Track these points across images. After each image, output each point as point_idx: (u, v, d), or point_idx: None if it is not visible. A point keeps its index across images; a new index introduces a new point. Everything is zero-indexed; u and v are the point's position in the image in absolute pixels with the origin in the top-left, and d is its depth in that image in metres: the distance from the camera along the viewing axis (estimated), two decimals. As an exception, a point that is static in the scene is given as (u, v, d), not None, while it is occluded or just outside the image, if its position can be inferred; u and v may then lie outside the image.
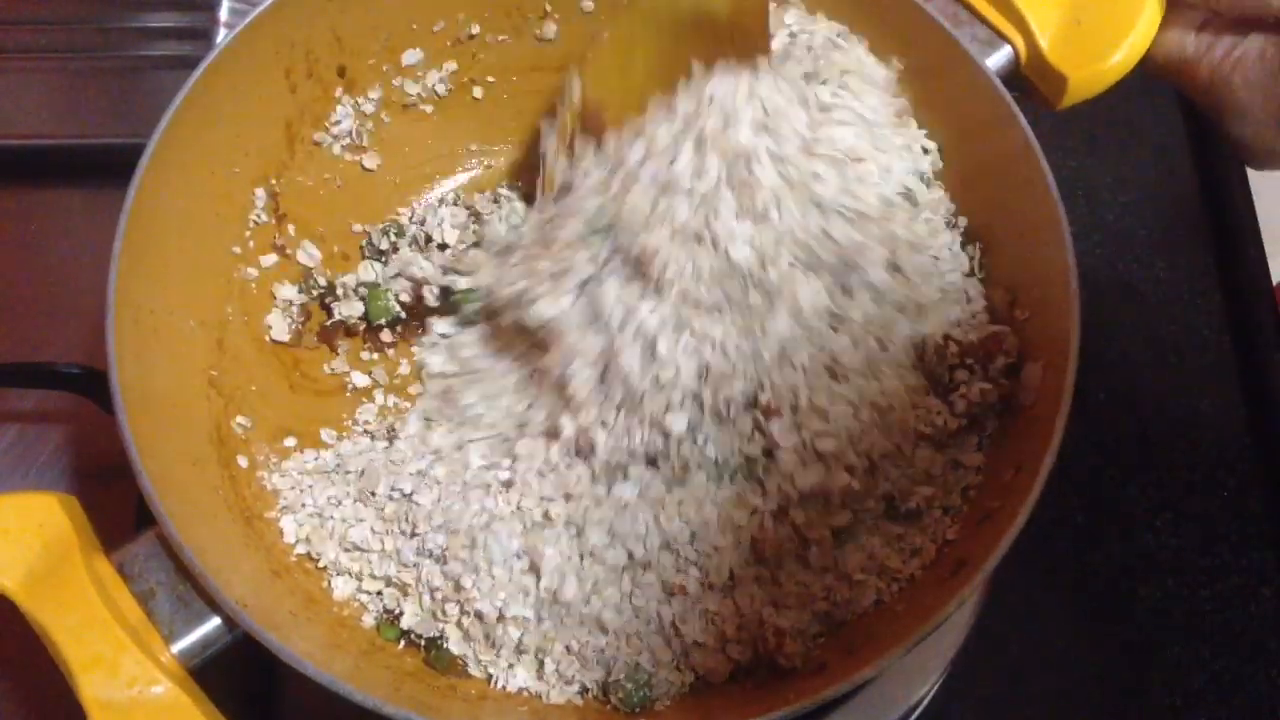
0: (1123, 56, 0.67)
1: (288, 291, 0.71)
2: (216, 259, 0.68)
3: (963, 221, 0.68)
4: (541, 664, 0.59)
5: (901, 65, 0.70)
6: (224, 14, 0.85)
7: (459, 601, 0.60)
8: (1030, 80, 0.69)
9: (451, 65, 0.75)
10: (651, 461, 0.62)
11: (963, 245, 0.68)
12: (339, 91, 0.72)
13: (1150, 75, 0.70)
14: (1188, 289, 0.86)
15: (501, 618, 0.60)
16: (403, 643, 0.62)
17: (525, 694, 0.59)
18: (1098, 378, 0.82)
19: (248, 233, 0.69)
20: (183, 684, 0.53)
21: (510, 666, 0.59)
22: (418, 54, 0.73)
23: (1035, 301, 0.63)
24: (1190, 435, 0.81)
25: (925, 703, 0.68)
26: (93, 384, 0.72)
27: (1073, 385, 0.57)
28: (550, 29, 0.75)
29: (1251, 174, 0.86)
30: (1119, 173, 0.90)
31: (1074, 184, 0.89)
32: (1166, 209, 0.89)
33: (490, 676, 0.59)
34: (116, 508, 0.65)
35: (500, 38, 0.75)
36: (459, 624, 0.60)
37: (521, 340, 0.67)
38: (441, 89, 0.75)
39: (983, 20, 0.68)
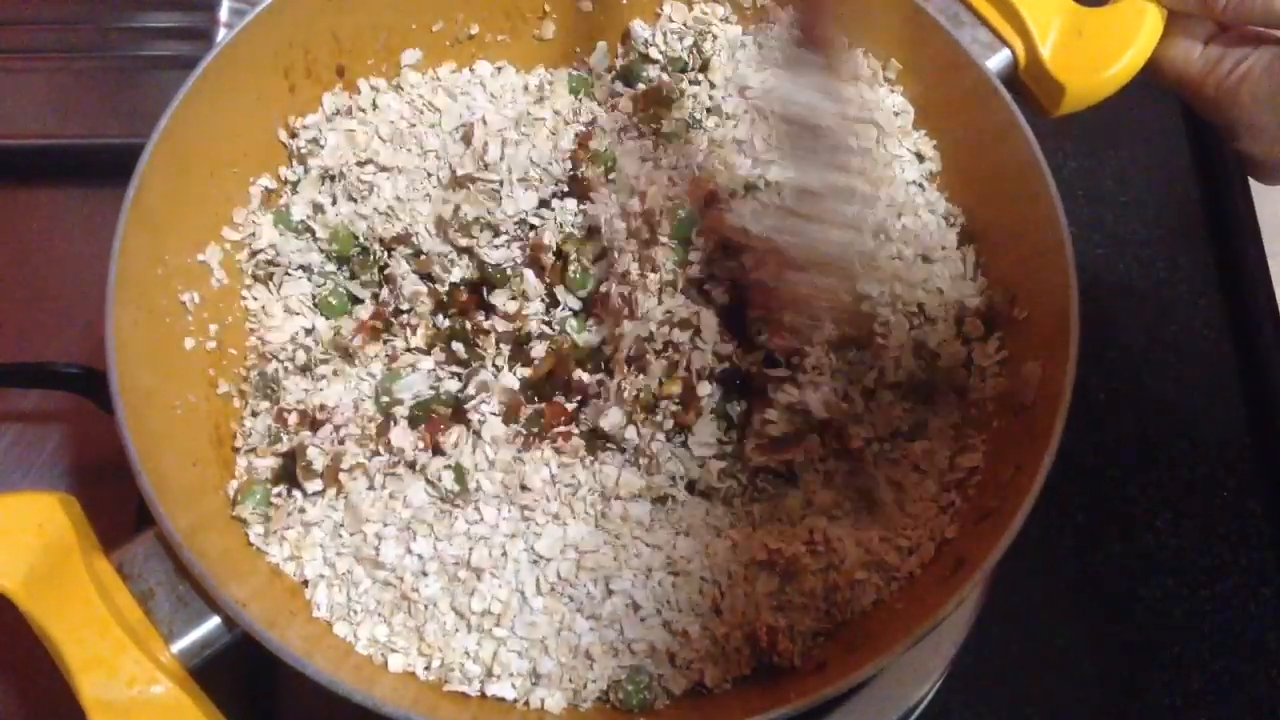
0: (1120, 69, 0.67)
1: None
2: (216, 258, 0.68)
3: (960, 220, 0.69)
4: (539, 672, 0.59)
5: (901, 66, 0.70)
6: (224, 14, 0.85)
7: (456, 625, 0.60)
8: (1027, 86, 0.69)
9: (450, 65, 0.75)
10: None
11: (959, 245, 0.68)
12: (337, 91, 0.72)
13: (1161, 88, 0.70)
14: (1188, 289, 0.86)
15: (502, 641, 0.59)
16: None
17: (524, 698, 0.59)
18: (1098, 378, 0.82)
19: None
20: (182, 684, 0.53)
21: (510, 675, 0.59)
22: (416, 54, 0.73)
23: (1034, 301, 0.63)
24: (1190, 435, 0.81)
25: (925, 703, 0.68)
26: (93, 384, 0.72)
27: (1072, 384, 0.57)
28: (549, 29, 0.75)
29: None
30: (1119, 173, 0.90)
31: (1074, 184, 0.89)
32: (1166, 209, 0.89)
33: (488, 680, 0.59)
34: (117, 508, 0.65)
35: (499, 38, 0.75)
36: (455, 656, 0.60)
37: None
38: (440, 88, 0.75)
39: (984, 22, 0.69)
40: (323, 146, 0.69)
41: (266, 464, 0.63)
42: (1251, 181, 0.86)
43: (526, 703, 0.58)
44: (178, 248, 0.65)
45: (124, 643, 0.52)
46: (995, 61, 0.68)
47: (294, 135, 0.70)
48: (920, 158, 0.70)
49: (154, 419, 0.59)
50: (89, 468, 0.77)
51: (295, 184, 0.70)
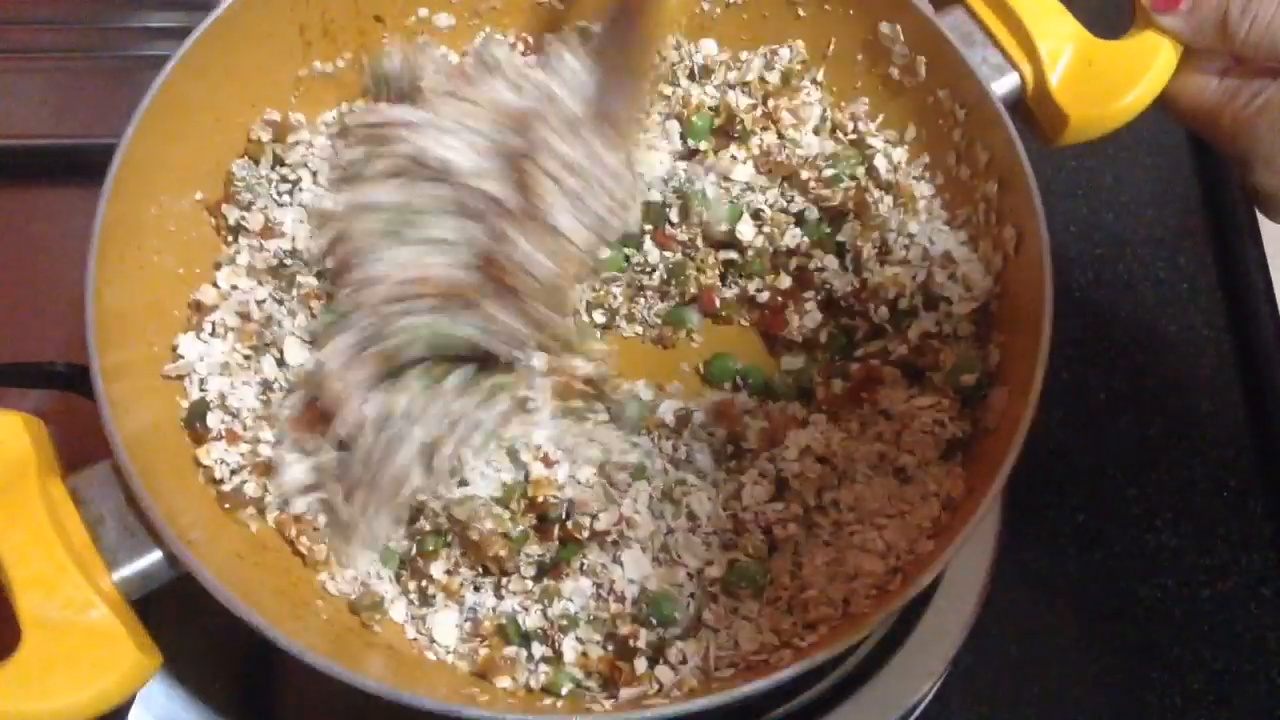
0: (1127, 104, 0.67)
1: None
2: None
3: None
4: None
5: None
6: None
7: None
8: (1033, 113, 0.69)
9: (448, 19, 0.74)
10: None
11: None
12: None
13: (1175, 121, 0.69)
14: (1188, 289, 0.86)
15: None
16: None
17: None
18: (1098, 378, 0.82)
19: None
20: (119, 611, 0.53)
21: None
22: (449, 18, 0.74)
23: (1013, 326, 0.63)
24: (1190, 435, 0.80)
25: (925, 703, 0.68)
26: (90, 383, 0.71)
27: (1032, 413, 0.57)
28: None
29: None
30: (1119, 173, 0.90)
31: (1074, 184, 0.88)
32: (1166, 209, 0.89)
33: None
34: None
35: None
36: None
37: None
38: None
39: (996, 44, 0.68)
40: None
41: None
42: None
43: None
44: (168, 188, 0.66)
45: (66, 565, 0.53)
46: (1002, 85, 0.67)
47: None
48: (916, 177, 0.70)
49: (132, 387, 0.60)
50: (78, 464, 0.77)
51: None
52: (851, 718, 0.66)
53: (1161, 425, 0.81)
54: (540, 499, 0.60)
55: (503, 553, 0.60)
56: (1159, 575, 0.76)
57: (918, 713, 0.68)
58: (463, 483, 0.61)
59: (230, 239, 0.68)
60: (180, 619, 0.57)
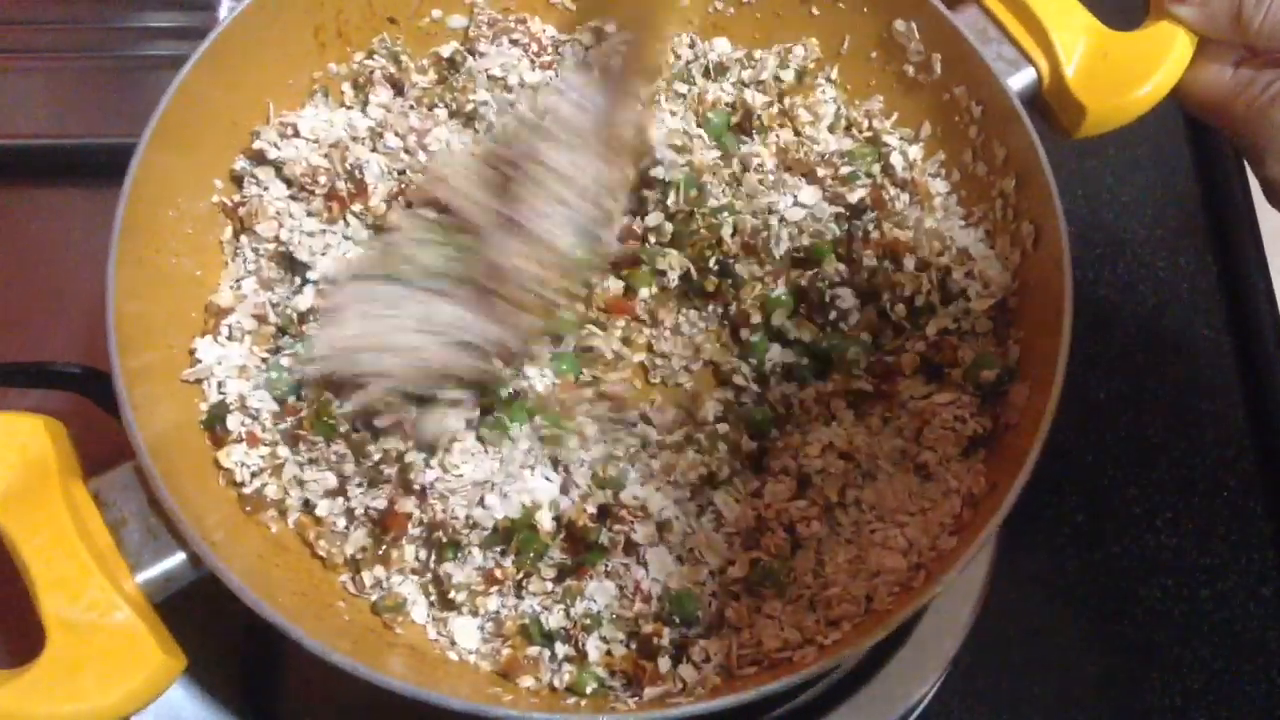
0: (1145, 94, 0.67)
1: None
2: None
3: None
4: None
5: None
6: (223, 13, 0.85)
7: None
8: (1050, 106, 0.69)
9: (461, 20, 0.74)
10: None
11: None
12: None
13: (1186, 111, 0.69)
14: (1188, 289, 0.86)
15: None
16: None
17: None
18: (1098, 378, 0.82)
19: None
20: (143, 613, 0.53)
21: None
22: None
23: (1031, 322, 0.63)
24: (1190, 435, 0.81)
25: (925, 702, 0.68)
26: (91, 383, 0.72)
27: (1054, 409, 0.57)
28: None
29: (1251, 174, 0.86)
30: (1119, 173, 0.90)
31: (1074, 184, 0.89)
32: (1166, 209, 0.89)
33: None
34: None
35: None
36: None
37: None
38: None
39: (1011, 40, 0.68)
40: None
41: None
42: (1251, 181, 0.86)
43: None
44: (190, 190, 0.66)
45: (89, 567, 0.53)
46: (1018, 80, 0.67)
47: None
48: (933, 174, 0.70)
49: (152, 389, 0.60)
50: (87, 467, 0.77)
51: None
52: (851, 718, 0.66)
53: (1161, 425, 0.81)
54: (580, 524, 0.60)
55: (515, 573, 0.61)
56: (1159, 575, 0.76)
57: (918, 713, 0.68)
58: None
59: (244, 242, 0.68)
60: (184, 619, 0.56)
